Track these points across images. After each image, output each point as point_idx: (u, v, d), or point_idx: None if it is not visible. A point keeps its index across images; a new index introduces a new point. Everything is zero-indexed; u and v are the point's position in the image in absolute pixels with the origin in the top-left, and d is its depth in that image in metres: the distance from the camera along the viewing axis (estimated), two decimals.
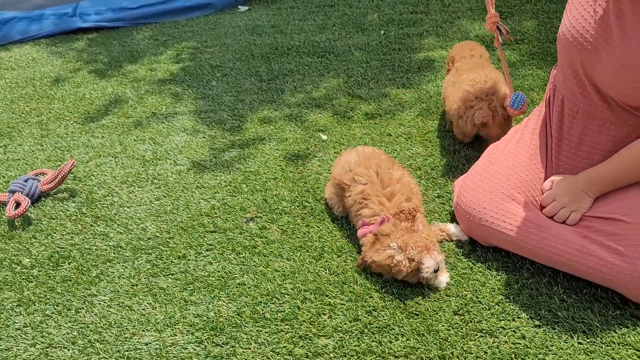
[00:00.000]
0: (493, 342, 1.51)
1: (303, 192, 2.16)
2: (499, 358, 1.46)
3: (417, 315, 1.61)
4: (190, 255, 1.91)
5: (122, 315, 1.70)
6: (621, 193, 1.63)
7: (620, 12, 1.51)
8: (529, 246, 1.65)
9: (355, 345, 1.53)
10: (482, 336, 1.53)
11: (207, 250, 1.93)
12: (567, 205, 1.66)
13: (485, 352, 1.48)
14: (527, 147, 1.82)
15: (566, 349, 1.46)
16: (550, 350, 1.47)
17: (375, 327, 1.58)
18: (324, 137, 2.48)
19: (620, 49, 1.51)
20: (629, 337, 1.47)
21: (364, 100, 2.74)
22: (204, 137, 2.60)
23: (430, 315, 1.61)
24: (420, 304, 1.64)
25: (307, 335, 1.57)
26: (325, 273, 1.78)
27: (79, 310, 1.74)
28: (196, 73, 3.24)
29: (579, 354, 1.45)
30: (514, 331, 1.53)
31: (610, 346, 1.46)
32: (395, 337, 1.55)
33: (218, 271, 1.83)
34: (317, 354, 1.52)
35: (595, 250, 1.55)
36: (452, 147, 2.30)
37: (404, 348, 1.51)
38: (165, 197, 2.22)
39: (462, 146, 2.30)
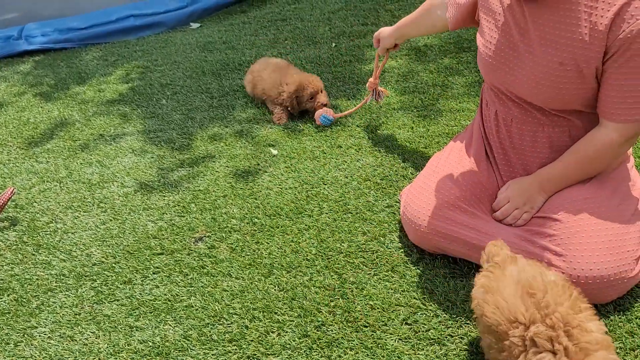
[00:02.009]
0: (441, 351, 1.51)
1: (253, 208, 2.14)
2: None
3: (366, 327, 1.60)
4: (136, 279, 1.86)
5: (63, 347, 1.63)
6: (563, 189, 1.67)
7: (519, 26, 1.57)
8: (475, 251, 1.67)
9: None
10: (431, 345, 1.53)
11: (153, 273, 1.88)
12: (521, 206, 1.68)
13: None
14: (469, 156, 1.85)
15: None
16: None
17: (324, 342, 1.56)
18: (274, 152, 2.47)
19: (528, 61, 1.57)
20: None
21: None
22: (152, 157, 2.55)
23: (379, 327, 1.60)
24: (369, 316, 1.63)
25: (255, 355, 1.54)
26: (275, 290, 1.75)
27: (18, 344, 1.66)
28: (145, 92, 3.19)
29: None
30: (461, 338, 1.54)
31: None
32: (344, 351, 1.53)
33: (165, 294, 1.78)
34: None
35: (537, 253, 1.57)
36: (402, 157, 2.32)
37: None
38: (111, 220, 2.16)
39: (411, 155, 2.32)
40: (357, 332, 1.59)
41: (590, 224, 1.54)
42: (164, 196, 2.27)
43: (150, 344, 1.61)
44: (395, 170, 2.25)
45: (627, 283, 1.52)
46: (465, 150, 1.86)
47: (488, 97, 1.83)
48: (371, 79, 2.48)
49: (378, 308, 1.66)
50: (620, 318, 1.53)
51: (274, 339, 1.59)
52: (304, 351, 1.54)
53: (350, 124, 2.62)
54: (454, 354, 1.49)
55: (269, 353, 1.54)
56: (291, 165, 2.37)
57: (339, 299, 1.70)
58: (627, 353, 1.43)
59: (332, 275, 1.79)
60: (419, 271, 1.76)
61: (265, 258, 1.89)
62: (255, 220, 2.07)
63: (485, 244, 1.63)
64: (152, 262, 1.92)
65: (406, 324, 1.60)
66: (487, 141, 1.85)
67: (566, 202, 1.61)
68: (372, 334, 1.58)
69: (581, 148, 1.62)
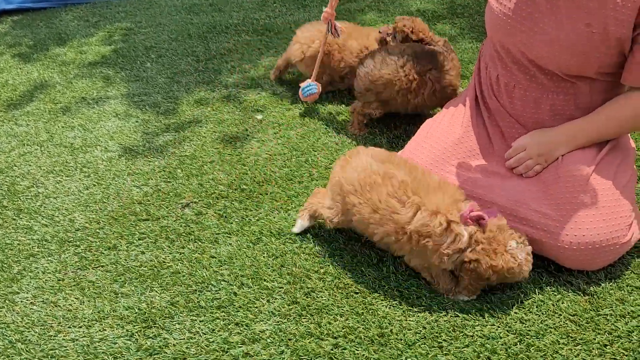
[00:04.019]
0: (432, 317, 1.50)
1: (241, 174, 2.09)
2: (437, 332, 1.45)
3: (357, 294, 1.58)
4: (121, 245, 1.81)
5: (47, 312, 1.59)
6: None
7: None
8: None
9: (293, 329, 1.49)
10: (422, 312, 1.52)
11: (139, 239, 1.83)
12: (535, 157, 1.63)
13: (424, 327, 1.47)
14: (461, 121, 1.81)
15: (502, 318, 1.47)
16: (488, 322, 1.47)
17: (314, 309, 1.54)
18: (259, 116, 2.41)
19: (550, 21, 1.50)
20: (562, 303, 1.49)
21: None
22: (136, 122, 2.47)
23: (370, 294, 1.58)
24: (360, 283, 1.61)
25: (244, 321, 1.52)
26: (264, 257, 1.72)
27: None
28: (129, 55, 3.08)
29: (515, 322, 1.45)
30: (452, 305, 1.53)
31: (545, 313, 1.47)
32: (334, 317, 1.51)
33: (151, 260, 1.74)
34: (254, 340, 1.47)
35: (529, 219, 1.55)
36: (393, 123, 2.27)
37: (343, 328, 1.48)
38: (95, 185, 2.10)
39: (402, 122, 2.28)
40: (348, 298, 1.57)
41: (590, 185, 1.52)
42: (149, 161, 2.20)
43: (136, 310, 1.57)
44: (387, 137, 2.21)
45: (619, 249, 1.51)
46: (458, 116, 1.82)
47: (489, 60, 1.78)
48: (327, 9, 2.20)
49: (370, 275, 1.63)
50: (611, 285, 1.52)
51: (263, 305, 1.56)
52: (293, 318, 1.52)
53: (341, 89, 2.55)
54: (444, 320, 1.48)
55: (258, 320, 1.52)
56: (280, 131, 2.31)
57: (329, 265, 1.67)
58: (617, 320, 1.43)
59: (321, 243, 1.76)
60: None
61: (254, 225, 1.85)
62: (244, 186, 2.02)
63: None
64: (137, 228, 1.87)
65: (397, 290, 1.58)
66: (485, 106, 1.81)
67: (575, 161, 1.59)
68: (363, 300, 1.56)
69: (620, 107, 1.58)
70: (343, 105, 2.43)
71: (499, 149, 1.75)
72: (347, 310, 1.53)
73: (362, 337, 1.46)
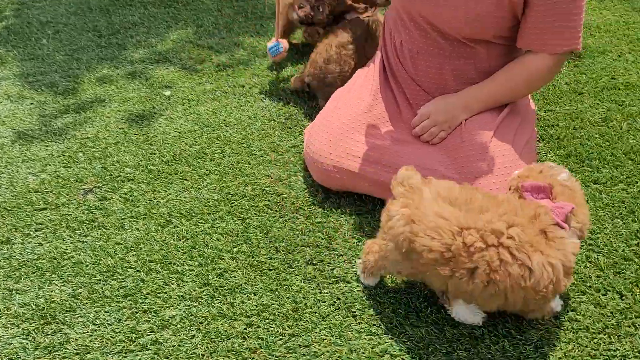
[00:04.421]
0: (346, 288, 1.49)
1: (148, 154, 1.98)
2: (350, 302, 1.45)
3: (271, 270, 1.55)
4: (15, 238, 1.67)
5: None
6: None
7: None
8: (379, 187, 1.65)
9: (204, 311, 1.43)
10: (336, 283, 1.51)
11: (36, 230, 1.70)
12: (440, 124, 1.65)
13: (339, 299, 1.46)
14: (369, 90, 1.79)
15: (415, 283, 1.49)
16: (401, 288, 1.48)
17: (227, 290, 1.49)
18: (167, 93, 2.29)
19: None
20: None
21: (215, 51, 2.57)
22: (31, 104, 2.28)
23: (284, 269, 1.55)
24: (274, 259, 1.58)
25: (152, 308, 1.45)
26: (173, 240, 1.65)
27: None
28: (22, 31, 2.83)
29: (425, 285, 1.48)
30: None
31: None
32: (247, 297, 1.48)
33: (49, 252, 1.62)
34: (163, 327, 1.40)
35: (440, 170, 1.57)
36: (307, 96, 2.23)
37: (257, 307, 1.45)
38: None
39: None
40: (262, 276, 1.53)
41: (489, 152, 1.55)
42: (47, 146, 2.04)
43: (33, 306, 1.46)
44: (301, 109, 2.17)
45: None
46: (367, 84, 1.81)
47: (393, 26, 1.76)
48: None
49: (283, 250, 1.60)
50: None
51: (173, 290, 1.50)
52: (205, 300, 1.46)
53: (254, 61, 2.47)
54: (358, 290, 1.48)
55: (167, 305, 1.46)
56: (190, 107, 2.21)
57: (242, 244, 1.63)
58: None
59: (235, 221, 1.70)
60: (325, 211, 1.72)
61: (163, 207, 1.76)
62: (151, 167, 1.92)
63: (386, 178, 1.62)
64: (33, 218, 1.73)
65: (311, 264, 1.56)
66: (391, 73, 1.80)
67: (476, 126, 1.61)
68: (277, 277, 1.53)
69: (514, 71, 1.61)
70: (256, 78, 2.36)
71: (406, 116, 1.75)
72: (260, 288, 1.50)
73: (276, 313, 1.43)
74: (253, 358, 1.33)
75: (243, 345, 1.36)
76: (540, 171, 1.33)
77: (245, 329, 1.40)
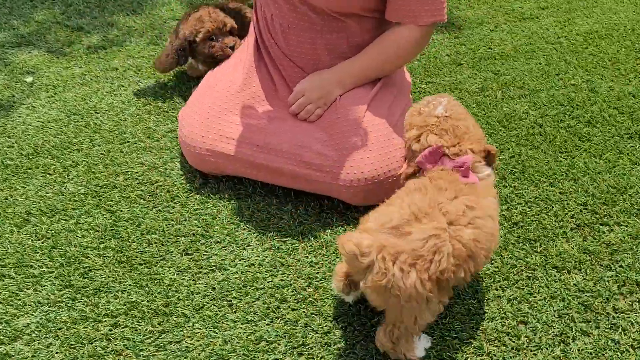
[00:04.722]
0: (222, 276, 1.43)
1: (5, 148, 1.79)
2: (227, 290, 1.39)
3: (142, 265, 1.45)
4: None
5: None
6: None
7: None
8: (254, 169, 1.58)
9: (64, 316, 1.32)
10: (212, 272, 1.44)
11: None
12: (315, 101, 1.61)
13: (214, 288, 1.40)
14: (243, 68, 1.71)
15: (293, 265, 1.45)
16: (279, 270, 1.44)
17: (91, 290, 1.38)
18: (29, 79, 2.08)
19: None
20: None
21: (86, 32, 2.36)
22: None
23: (156, 262, 1.46)
24: (145, 252, 1.48)
25: (3, 318, 1.31)
26: (31, 240, 1.50)
27: None
28: None
29: (306, 266, 1.45)
30: (244, 260, 1.47)
31: (334, 253, 1.48)
32: (114, 295, 1.37)
33: None
34: (15, 337, 1.27)
35: (309, 162, 1.53)
36: (186, 78, 2.11)
37: (124, 305, 1.35)
38: None
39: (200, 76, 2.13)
40: (131, 271, 1.43)
41: (363, 126, 1.54)
42: None
43: None
44: (180, 91, 2.05)
45: (396, 182, 1.56)
46: (240, 63, 1.73)
47: (262, 1, 1.69)
48: None
49: (156, 242, 1.51)
50: None
51: (28, 296, 1.36)
52: (66, 303, 1.34)
53: (129, 42, 2.31)
54: (235, 277, 1.42)
55: (21, 313, 1.32)
56: (55, 94, 2.02)
57: (110, 239, 1.51)
58: None
59: (103, 215, 1.58)
60: (203, 197, 1.64)
61: (20, 205, 1.60)
62: (8, 162, 1.74)
63: (263, 159, 1.56)
64: None
65: (186, 254, 1.48)
66: (265, 49, 1.73)
67: (350, 101, 1.59)
68: (148, 271, 1.43)
69: (384, 44, 1.60)
70: (132, 60, 2.20)
71: (283, 94, 1.69)
72: (129, 285, 1.40)
73: (146, 310, 1.34)
74: None
75: (107, 348, 1.26)
76: (419, 113, 1.32)
77: (110, 330, 1.30)
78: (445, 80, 2.12)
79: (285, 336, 1.29)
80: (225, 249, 1.50)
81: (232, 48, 1.88)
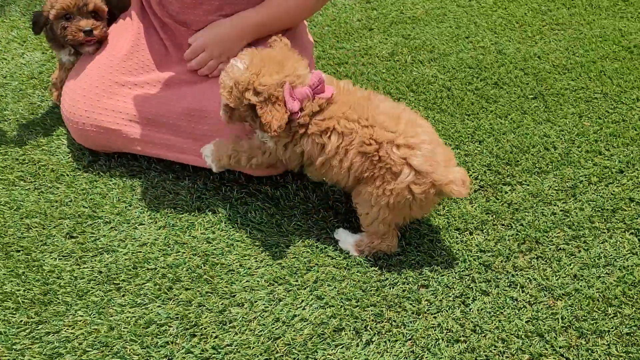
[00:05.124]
0: (111, 258, 1.32)
1: None
2: (115, 274, 1.29)
3: (19, 252, 1.32)
4: None
5: None
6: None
7: None
8: (145, 134, 1.47)
9: None
10: (99, 254, 1.33)
11: None
12: (217, 57, 1.51)
13: (101, 272, 1.29)
14: (129, 35, 1.58)
15: (189, 242, 1.36)
16: (173, 249, 1.35)
17: None
18: None
19: None
20: (250, 213, 1.43)
21: None
22: None
23: (36, 248, 1.33)
24: (24, 237, 1.35)
25: None
26: None
27: None
28: None
29: (201, 243, 1.36)
30: (135, 240, 1.37)
31: (233, 228, 1.40)
32: None
33: None
34: None
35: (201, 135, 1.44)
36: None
37: None
38: None
39: None
40: (7, 259, 1.30)
41: None
42: None
43: None
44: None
45: None
46: (124, 30, 1.59)
47: None
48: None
49: (36, 226, 1.38)
50: (297, 186, 1.52)
51: None
52: None
53: (12, 10, 2.10)
54: (125, 258, 1.32)
55: None
56: None
57: None
58: (300, 219, 1.43)
59: None
60: (92, 176, 1.51)
61: None
62: None
63: (156, 136, 1.46)
64: None
65: (70, 237, 1.36)
66: (152, 12, 1.60)
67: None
68: (26, 258, 1.31)
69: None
70: (16, 31, 2.00)
71: (176, 56, 1.58)
72: (3, 275, 1.27)
73: (21, 300, 1.22)
74: None
75: None
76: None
77: None
78: (355, 45, 2.06)
79: (177, 317, 1.21)
80: (115, 229, 1.39)
81: (89, 33, 1.51)
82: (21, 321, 1.19)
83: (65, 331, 1.18)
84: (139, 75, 1.52)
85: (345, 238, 1.37)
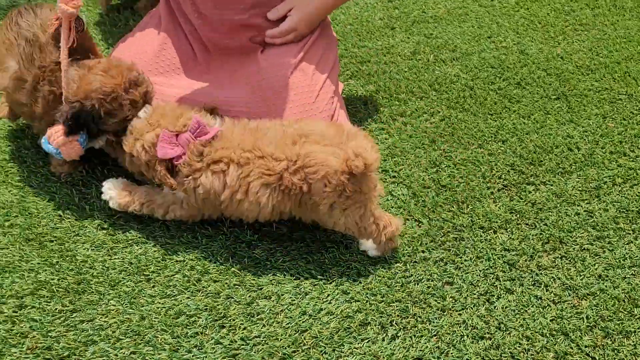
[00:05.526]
0: (140, 250, 1.35)
1: None
2: (144, 265, 1.31)
3: (52, 242, 1.36)
4: None
5: None
6: None
7: None
8: None
9: None
10: (129, 246, 1.36)
11: None
12: (302, 34, 1.56)
13: (131, 263, 1.32)
14: (159, 30, 1.60)
15: (214, 236, 1.39)
16: (201, 242, 1.37)
17: None
18: None
19: None
20: None
21: None
22: None
23: (69, 238, 1.37)
24: (57, 228, 1.39)
25: None
26: None
27: None
28: None
29: (229, 236, 1.39)
30: (164, 232, 1.40)
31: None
32: (21, 275, 1.28)
33: None
34: None
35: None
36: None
37: (32, 285, 1.26)
38: None
39: None
40: (41, 249, 1.34)
41: (289, 85, 1.49)
42: None
43: None
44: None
45: None
46: (154, 25, 1.62)
47: None
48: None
49: (69, 218, 1.41)
50: None
51: None
52: None
53: None
54: (154, 251, 1.35)
55: None
56: None
57: (17, 216, 1.40)
58: None
59: (10, 191, 1.47)
60: (121, 171, 1.54)
61: None
62: None
63: None
64: None
65: (102, 229, 1.40)
66: (179, 11, 1.62)
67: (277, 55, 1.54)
68: (60, 248, 1.34)
69: None
70: None
71: (202, 59, 1.61)
72: (36, 264, 1.30)
73: (56, 289, 1.25)
74: (24, 343, 1.16)
75: (12, 330, 1.18)
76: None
77: (15, 312, 1.21)
78: (377, 44, 2.07)
79: (206, 309, 1.24)
80: (143, 222, 1.42)
81: None
82: (56, 309, 1.22)
83: (99, 319, 1.21)
84: (166, 75, 1.54)
85: (365, 244, 1.38)
